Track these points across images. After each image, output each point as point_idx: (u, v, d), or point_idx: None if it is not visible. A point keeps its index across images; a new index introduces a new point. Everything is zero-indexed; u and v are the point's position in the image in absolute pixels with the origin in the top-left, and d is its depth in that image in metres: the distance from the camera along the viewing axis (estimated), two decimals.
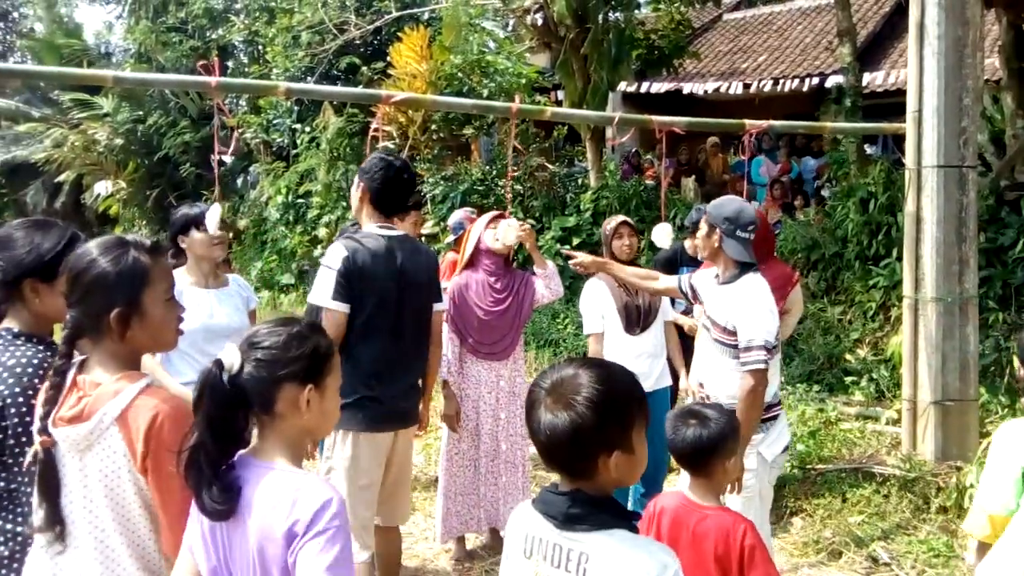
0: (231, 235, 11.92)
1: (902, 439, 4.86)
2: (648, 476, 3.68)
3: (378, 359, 2.93)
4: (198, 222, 3.23)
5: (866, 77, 11.18)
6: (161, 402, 1.64)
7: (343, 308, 2.88)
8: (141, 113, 15.64)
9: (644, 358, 4.12)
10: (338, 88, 5.17)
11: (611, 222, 4.11)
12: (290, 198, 13.28)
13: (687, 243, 4.86)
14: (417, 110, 10.29)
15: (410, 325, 3.04)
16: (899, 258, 6.98)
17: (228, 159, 16.74)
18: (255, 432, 1.55)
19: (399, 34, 11.69)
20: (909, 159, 4.59)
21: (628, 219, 4.13)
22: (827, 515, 4.41)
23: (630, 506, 4.24)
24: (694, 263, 4.65)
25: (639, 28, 11.10)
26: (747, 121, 4.20)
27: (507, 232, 3.85)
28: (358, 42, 12.48)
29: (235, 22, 15.02)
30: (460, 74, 10.79)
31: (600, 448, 1.40)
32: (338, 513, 1.44)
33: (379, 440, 2.98)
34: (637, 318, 4.04)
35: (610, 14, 9.80)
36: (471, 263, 3.97)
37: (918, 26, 4.52)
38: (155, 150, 15.49)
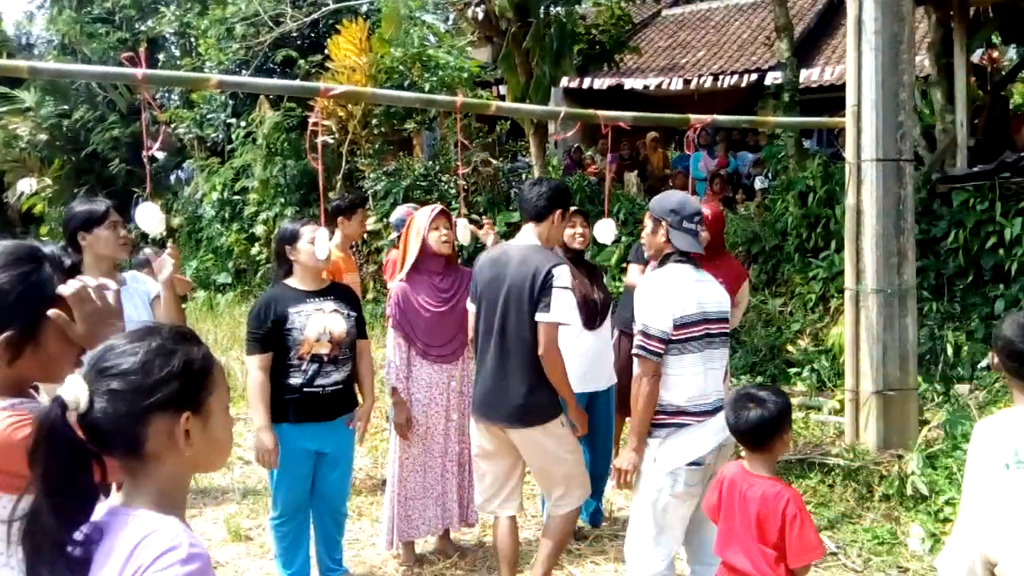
0: (164, 233, 11.52)
1: (845, 429, 4.95)
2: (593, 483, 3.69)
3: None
4: (104, 218, 3.00)
5: (802, 73, 11.39)
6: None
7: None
8: (66, 108, 15.03)
9: (602, 354, 4.10)
10: (274, 81, 5.01)
11: None
12: (226, 195, 12.91)
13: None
14: (357, 104, 10.08)
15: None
16: (838, 250, 7.13)
17: (160, 155, 16.22)
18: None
19: (337, 27, 11.45)
20: (849, 153, 4.66)
21: (581, 209, 4.10)
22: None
23: (584, 517, 4.21)
24: None
25: (580, 23, 11.09)
26: (692, 116, 4.20)
27: (464, 233, 3.76)
28: (295, 35, 12.17)
29: (165, 13, 14.52)
30: (401, 68, 10.63)
31: None
32: (186, 560, 1.14)
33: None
34: (595, 312, 4.01)
35: (551, 8, 9.76)
36: (415, 264, 3.84)
37: (856, 22, 4.58)
38: (82, 146, 14.89)
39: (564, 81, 12.56)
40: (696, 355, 2.85)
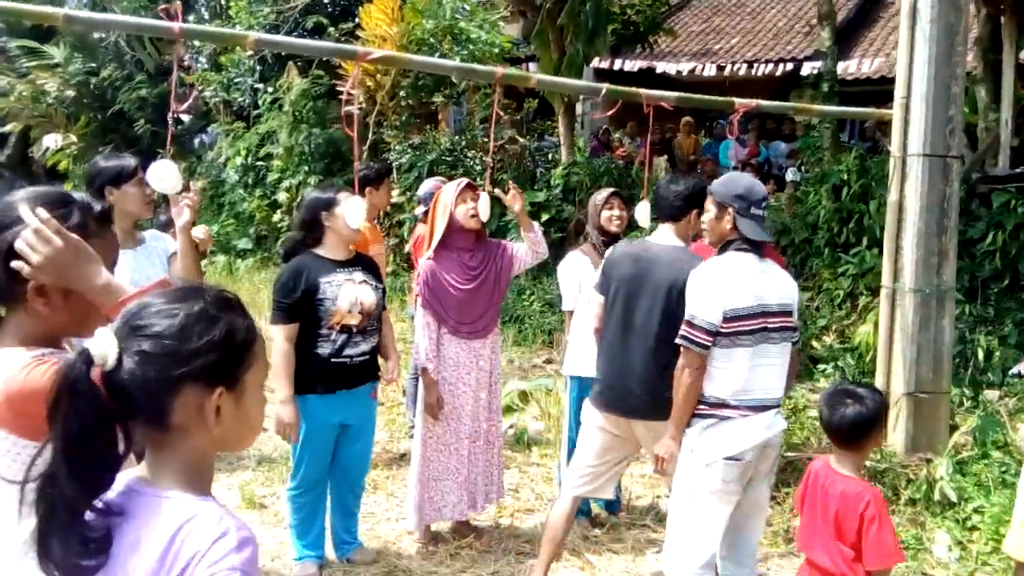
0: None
1: None
2: None
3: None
4: (133, 174, 2.96)
5: (839, 65, 11.16)
6: (24, 369, 1.31)
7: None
8: (94, 65, 14.96)
9: None
10: (312, 42, 4.89)
11: (601, 193, 3.96)
12: (249, 160, 12.84)
13: None
14: (387, 73, 9.97)
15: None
16: (869, 247, 7.00)
17: (186, 117, 16.18)
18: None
19: None
20: (894, 146, 4.51)
21: (618, 190, 4.00)
22: None
23: (600, 504, 4.14)
24: None
25: (616, 2, 10.90)
26: (736, 100, 4.06)
27: (484, 208, 3.68)
28: (326, 1, 12.04)
29: None
30: (432, 39, 10.48)
31: None
32: (239, 547, 1.08)
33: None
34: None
35: None
36: (443, 240, 3.75)
37: (911, 10, 4.41)
38: (109, 104, 14.84)
39: (595, 61, 12.36)
40: (747, 349, 2.72)
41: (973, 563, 3.81)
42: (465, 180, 3.82)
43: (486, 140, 10.54)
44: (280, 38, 4.21)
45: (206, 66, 14.81)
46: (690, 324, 2.70)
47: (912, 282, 4.45)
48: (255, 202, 12.46)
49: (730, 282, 2.71)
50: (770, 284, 2.78)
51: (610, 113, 4.07)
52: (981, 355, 6.00)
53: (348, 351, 3.39)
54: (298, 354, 3.33)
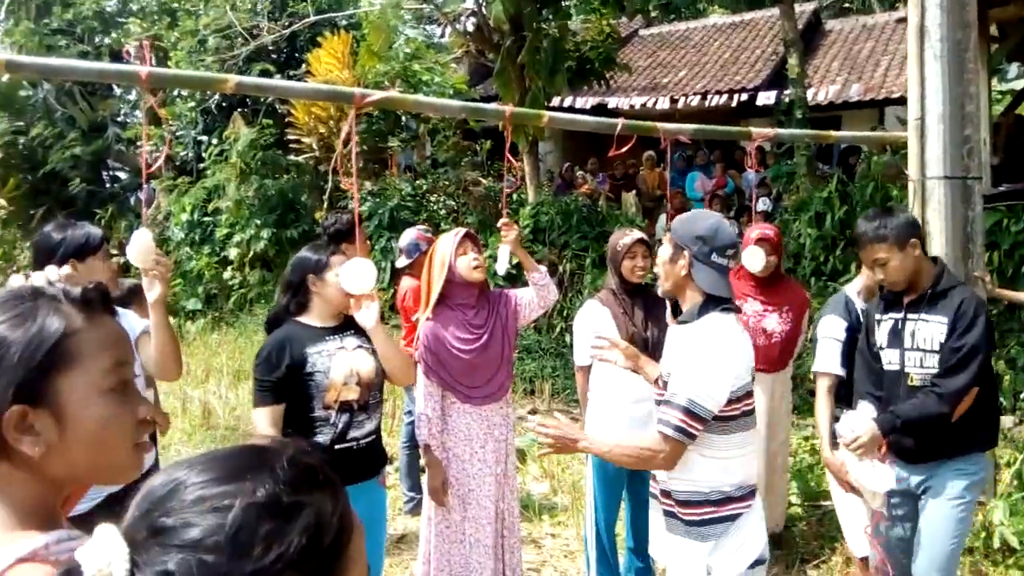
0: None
1: None
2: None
3: None
4: (100, 246, 2.58)
5: (787, 93, 11.21)
6: None
7: None
8: (22, 124, 14.22)
9: (649, 401, 3.60)
10: (301, 84, 4.48)
11: (624, 238, 3.52)
12: (196, 216, 12.23)
13: None
14: (342, 119, 9.56)
15: None
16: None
17: (123, 175, 15.49)
18: None
19: (316, 39, 10.95)
20: (912, 170, 4.27)
21: (644, 237, 3.58)
22: (846, 559, 4.00)
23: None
24: None
25: (570, 39, 10.75)
26: (753, 129, 3.78)
27: (504, 261, 3.27)
28: (271, 48, 11.62)
29: (131, 26, 13.84)
30: (385, 83, 10.14)
31: None
32: None
33: None
34: (645, 352, 3.51)
35: (544, 22, 9.40)
36: (441, 298, 3.32)
37: (918, 29, 4.21)
38: (40, 165, 14.08)
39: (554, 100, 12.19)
40: (744, 433, 2.27)
41: None
42: (463, 230, 3.41)
43: (448, 183, 10.21)
44: (264, 81, 3.77)
45: (145, 121, 14.19)
46: (689, 412, 2.14)
47: None
48: (203, 259, 11.83)
49: (733, 355, 2.21)
50: (750, 352, 2.32)
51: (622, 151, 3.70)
52: None
53: (353, 433, 2.90)
54: None
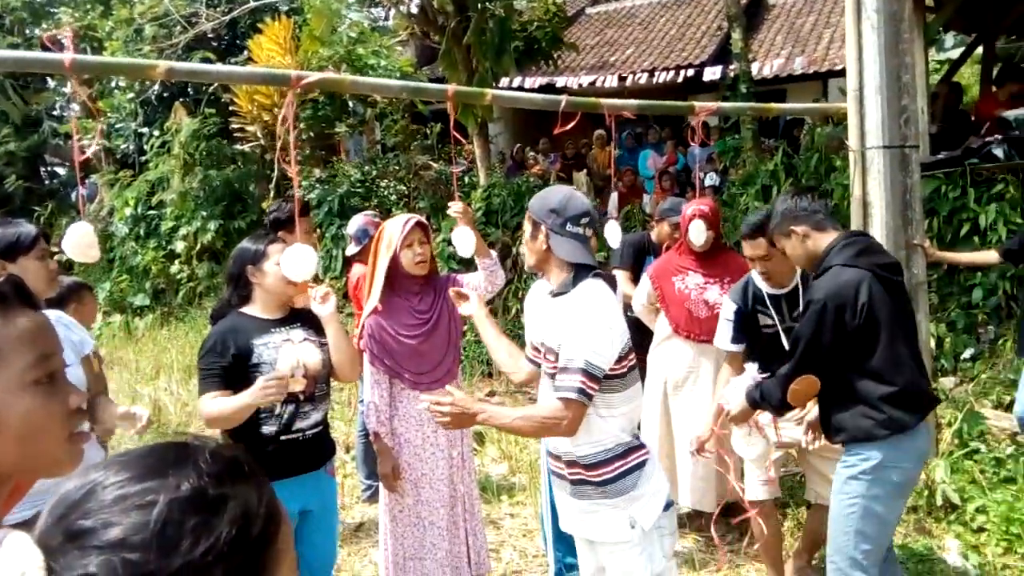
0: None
1: None
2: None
3: None
4: (33, 245, 2.43)
5: (732, 67, 11.31)
6: None
7: None
8: None
9: None
10: (236, 68, 4.31)
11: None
12: (140, 210, 11.92)
13: (653, 232, 4.57)
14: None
15: None
16: None
17: (62, 170, 15.04)
18: None
19: (257, 26, 10.71)
20: (852, 141, 4.35)
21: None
22: (796, 523, 4.10)
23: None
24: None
25: (516, 19, 10.68)
26: (696, 103, 3.79)
27: (467, 242, 3.22)
28: (211, 35, 11.34)
29: (62, 15, 13.36)
30: (330, 68, 9.96)
31: None
32: None
33: None
34: None
35: (489, 2, 9.31)
36: (387, 284, 3.23)
37: (855, 1, 4.27)
38: None
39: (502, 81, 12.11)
40: (635, 386, 2.38)
41: (990, 569, 3.61)
42: (414, 218, 3.29)
43: (398, 167, 10.10)
44: (197, 66, 3.61)
45: (80, 114, 13.76)
46: (587, 374, 2.19)
47: None
48: (149, 254, 11.54)
49: (612, 315, 2.29)
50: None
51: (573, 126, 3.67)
52: (932, 343, 5.95)
53: (299, 424, 2.87)
54: (239, 438, 2.78)
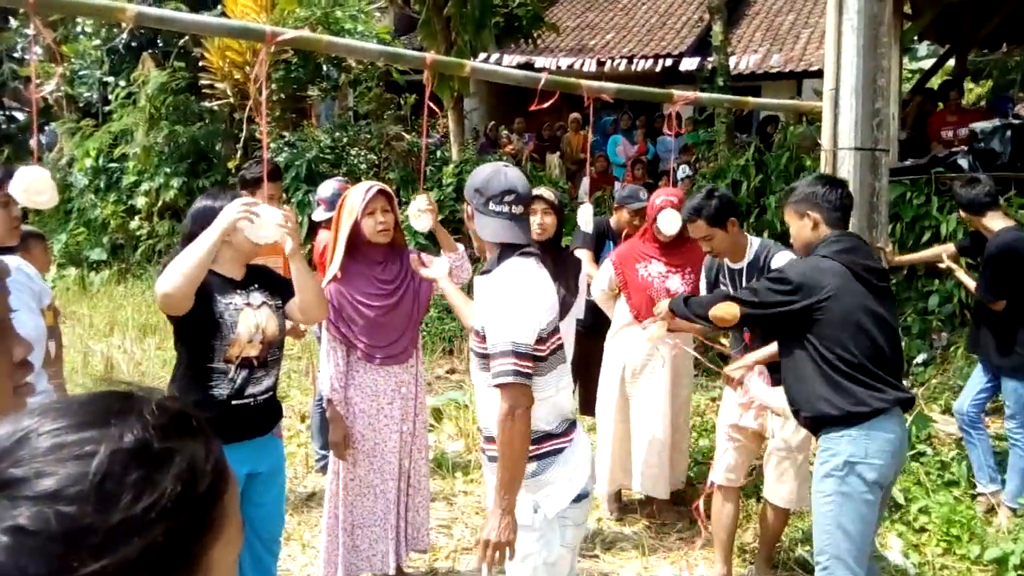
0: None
1: None
2: None
3: None
4: None
5: (710, 61, 11.34)
6: None
7: None
8: None
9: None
10: (209, 18, 4.16)
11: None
12: (101, 162, 11.61)
13: (612, 219, 4.53)
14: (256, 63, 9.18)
15: None
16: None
17: (21, 115, 14.59)
18: None
19: None
20: (825, 140, 4.38)
21: (542, 194, 3.56)
22: (744, 517, 4.15)
23: None
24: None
25: None
26: (675, 91, 3.78)
27: (420, 220, 3.18)
28: None
29: None
30: (307, 29, 9.75)
31: None
32: None
33: None
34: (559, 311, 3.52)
35: None
36: (349, 251, 3.19)
37: (838, 1, 4.28)
38: None
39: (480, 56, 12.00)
40: (561, 367, 2.31)
41: (929, 568, 3.71)
42: (376, 186, 3.23)
43: (370, 136, 9.96)
44: (168, 13, 3.44)
45: (41, 56, 13.31)
46: (516, 355, 2.11)
47: None
48: (109, 208, 11.27)
49: (535, 294, 2.22)
50: (551, 292, 2.32)
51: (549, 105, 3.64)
52: None
53: (250, 389, 2.80)
54: (188, 397, 2.71)
